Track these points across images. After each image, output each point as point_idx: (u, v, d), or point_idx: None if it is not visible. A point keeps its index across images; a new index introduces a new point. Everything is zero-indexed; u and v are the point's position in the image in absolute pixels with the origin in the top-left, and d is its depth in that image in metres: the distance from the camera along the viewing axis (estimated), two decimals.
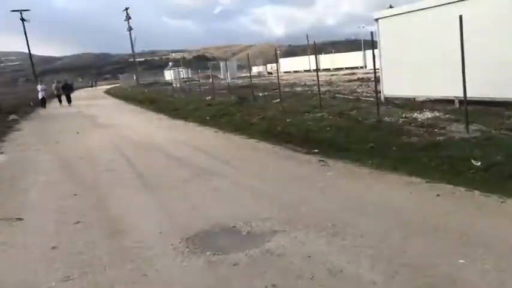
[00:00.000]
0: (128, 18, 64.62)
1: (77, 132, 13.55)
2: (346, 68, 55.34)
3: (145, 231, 4.58)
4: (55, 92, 30.02)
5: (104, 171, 7.79)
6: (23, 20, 52.36)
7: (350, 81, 27.01)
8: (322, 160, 7.33)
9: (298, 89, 24.32)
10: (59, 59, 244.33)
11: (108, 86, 70.33)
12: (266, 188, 5.96)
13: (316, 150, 8.09)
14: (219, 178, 6.62)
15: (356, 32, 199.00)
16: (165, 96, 28.23)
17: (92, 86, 76.97)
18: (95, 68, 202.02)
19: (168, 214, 5.16)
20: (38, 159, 9.51)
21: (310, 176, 6.42)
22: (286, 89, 23.04)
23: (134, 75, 51.92)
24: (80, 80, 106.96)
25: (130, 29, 63.96)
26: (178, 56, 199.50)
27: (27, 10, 53.12)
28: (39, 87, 29.05)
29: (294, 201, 5.21)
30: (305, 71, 60.76)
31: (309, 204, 5.05)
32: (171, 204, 5.52)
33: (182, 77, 50.21)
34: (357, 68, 54.61)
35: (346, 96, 16.95)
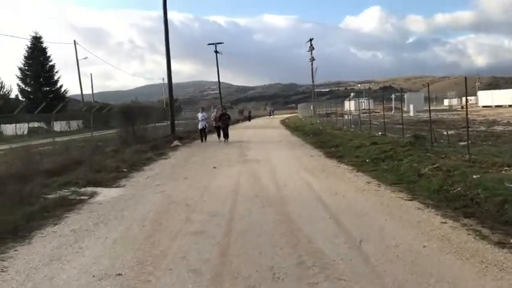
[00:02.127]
0: (311, 49, 65.25)
1: (214, 167, 12.18)
2: None
3: None
4: (213, 124, 23.65)
5: (191, 234, 5.72)
6: (216, 52, 57.42)
7: None
8: None
9: (499, 128, 19.07)
10: (252, 88, 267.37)
11: (288, 115, 71.88)
12: None
13: None
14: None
15: None
16: (332, 129, 25.93)
17: (269, 115, 78.79)
18: (282, 97, 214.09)
19: None
20: (144, 200, 8.09)
21: None
22: (481, 128, 18.19)
23: (311, 105, 51.29)
24: (264, 108, 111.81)
25: (312, 59, 64.25)
26: (363, 86, 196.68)
27: (220, 43, 58.10)
28: (200, 115, 23.18)
29: None
30: (510, 106, 50.95)
31: None
32: None
33: (363, 108, 47.30)
34: None
35: None
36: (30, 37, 43.71)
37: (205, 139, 22.51)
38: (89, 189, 9.39)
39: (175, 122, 36.78)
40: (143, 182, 10.11)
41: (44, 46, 44.55)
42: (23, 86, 43.12)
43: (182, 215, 6.80)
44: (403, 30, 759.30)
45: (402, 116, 18.13)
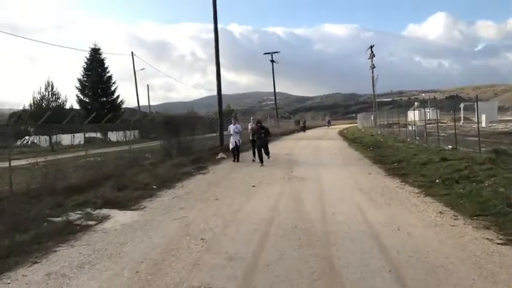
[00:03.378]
0: (372, 56, 62.20)
1: (253, 186, 10.60)
2: None
3: None
4: (250, 137, 17.57)
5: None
6: (272, 61, 56.28)
7: None
8: None
9: None
10: (311, 98, 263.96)
11: (346, 125, 68.93)
12: None
13: None
14: None
15: None
16: (394, 141, 23.47)
17: (327, 125, 74.64)
18: (342, 107, 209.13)
19: None
20: (157, 230, 6.61)
21: None
22: None
23: (372, 115, 48.43)
24: (322, 118, 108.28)
25: (373, 67, 61.17)
26: (427, 96, 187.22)
27: (276, 52, 56.94)
28: (232, 128, 17.41)
29: None
30: None
31: None
32: None
33: (428, 118, 43.77)
34: None
35: None
36: (90, 49, 44.97)
37: (238, 159, 16.97)
38: (104, 211, 8.14)
39: (226, 132, 36.01)
40: (167, 204, 8.70)
41: (102, 57, 45.64)
42: (82, 96, 44.26)
43: (192, 255, 5.24)
44: (471, 37, 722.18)
45: (478, 128, 15.52)
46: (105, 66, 45.95)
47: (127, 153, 19.63)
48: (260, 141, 15.95)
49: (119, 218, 7.58)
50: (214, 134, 25.17)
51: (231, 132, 17.23)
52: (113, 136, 41.33)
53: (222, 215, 7.44)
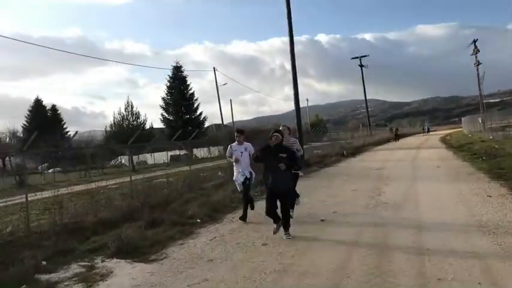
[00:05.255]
0: (476, 51, 55.22)
1: (322, 220, 7.89)
2: None
3: None
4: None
5: None
6: (361, 66, 52.46)
7: None
8: None
9: None
10: (408, 104, 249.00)
11: (449, 131, 62.10)
12: None
13: None
14: None
15: None
16: None
17: (424, 132, 67.00)
18: (442, 111, 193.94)
19: None
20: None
21: None
22: None
23: (479, 118, 42.19)
24: (420, 125, 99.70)
25: (478, 63, 54.29)
26: None
27: (365, 56, 53.05)
28: (234, 147, 8.46)
29: None
30: None
31: None
32: None
33: None
34: None
35: None
36: (171, 67, 45.28)
37: (245, 213, 8.27)
38: (111, 262, 6.07)
39: (312, 144, 33.24)
40: (197, 252, 6.34)
41: (184, 75, 45.71)
42: (166, 114, 44.60)
43: None
44: None
45: None
46: (187, 83, 45.98)
47: (202, 172, 18.04)
48: (281, 182, 6.66)
49: (122, 277, 5.41)
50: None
51: (234, 157, 8.31)
52: (198, 153, 40.90)
53: (261, 272, 4.93)
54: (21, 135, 47.27)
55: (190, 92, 45.65)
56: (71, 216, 8.72)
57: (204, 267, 5.50)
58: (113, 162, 41.44)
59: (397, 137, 47.52)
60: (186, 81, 45.53)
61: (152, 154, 35.64)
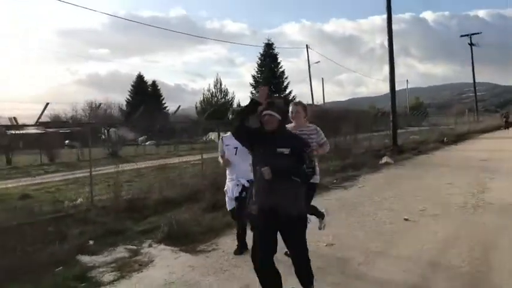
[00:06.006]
0: None
1: (406, 219, 6.61)
2: None
3: None
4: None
5: None
6: (471, 44, 47.15)
7: None
8: None
9: None
10: None
11: None
12: None
13: None
14: None
15: None
16: None
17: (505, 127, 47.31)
18: None
19: None
20: None
21: None
22: None
23: None
24: None
25: None
26: None
27: (477, 33, 47.54)
28: (226, 143, 5.30)
29: None
30: None
31: None
32: None
33: None
34: None
35: None
36: (263, 44, 44.68)
37: (241, 242, 5.35)
38: (157, 249, 5.55)
39: (409, 129, 30.71)
40: (249, 247, 5.56)
41: (275, 53, 44.88)
42: (255, 92, 44.12)
43: None
44: None
45: None
46: (278, 61, 45.11)
47: None
48: (279, 198, 3.30)
49: (156, 270, 4.81)
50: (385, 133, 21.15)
51: (224, 159, 5.38)
52: None
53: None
54: (125, 108, 50.46)
55: (281, 70, 44.98)
56: (137, 193, 8.46)
57: (251, 267, 4.67)
58: (204, 138, 42.44)
59: (508, 124, 40.82)
60: (277, 59, 44.77)
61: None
